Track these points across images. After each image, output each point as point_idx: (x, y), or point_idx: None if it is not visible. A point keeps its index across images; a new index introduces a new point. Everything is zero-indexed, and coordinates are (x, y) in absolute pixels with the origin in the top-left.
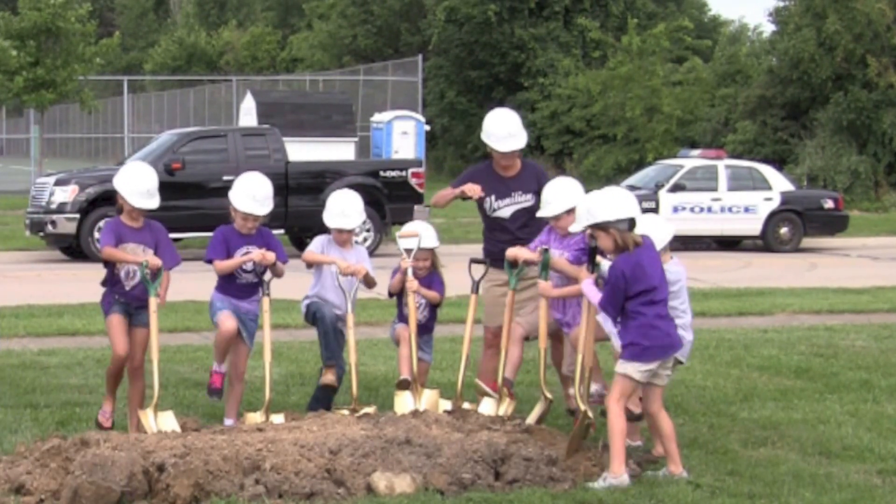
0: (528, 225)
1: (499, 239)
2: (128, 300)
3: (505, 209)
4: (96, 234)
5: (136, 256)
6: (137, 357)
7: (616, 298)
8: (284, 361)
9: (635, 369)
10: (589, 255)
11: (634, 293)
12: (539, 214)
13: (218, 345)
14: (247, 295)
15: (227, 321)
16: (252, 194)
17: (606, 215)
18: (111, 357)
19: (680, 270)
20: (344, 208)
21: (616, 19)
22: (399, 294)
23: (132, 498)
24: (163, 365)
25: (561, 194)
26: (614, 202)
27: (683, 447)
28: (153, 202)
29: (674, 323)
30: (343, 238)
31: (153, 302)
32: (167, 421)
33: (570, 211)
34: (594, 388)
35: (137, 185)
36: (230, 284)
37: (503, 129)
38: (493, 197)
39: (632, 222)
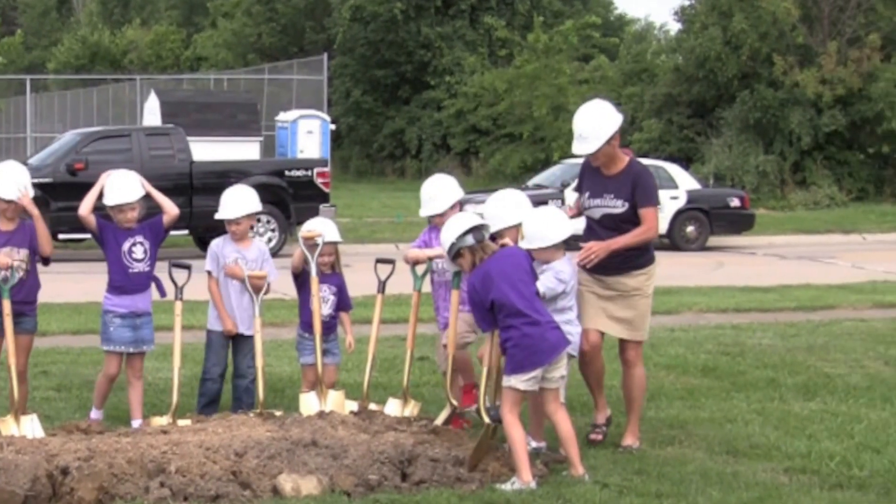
0: (617, 230)
1: (587, 238)
2: None
3: (595, 210)
4: None
5: None
6: (20, 362)
7: (479, 312)
8: (189, 363)
9: (518, 381)
10: (453, 278)
11: (490, 303)
12: (421, 213)
13: (99, 387)
14: (142, 287)
15: (112, 365)
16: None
17: (448, 240)
18: None
19: (568, 269)
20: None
21: (522, 17)
22: (300, 290)
23: (36, 502)
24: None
25: (443, 192)
26: (448, 226)
27: (590, 446)
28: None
29: (552, 324)
30: (233, 230)
31: (6, 305)
32: (30, 426)
33: (454, 206)
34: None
35: (5, 178)
36: (125, 276)
37: (576, 129)
38: (587, 194)
39: (478, 230)
